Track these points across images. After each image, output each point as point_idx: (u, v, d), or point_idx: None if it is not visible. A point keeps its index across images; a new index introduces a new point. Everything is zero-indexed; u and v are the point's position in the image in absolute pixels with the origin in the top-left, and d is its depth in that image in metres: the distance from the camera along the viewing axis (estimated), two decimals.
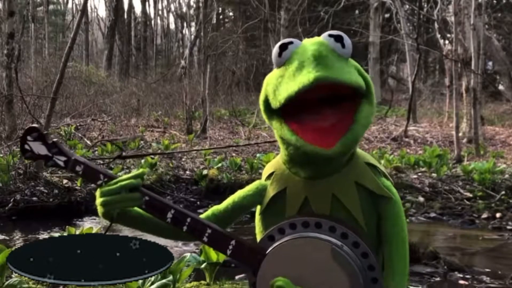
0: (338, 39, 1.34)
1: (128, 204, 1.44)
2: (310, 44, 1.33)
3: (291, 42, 1.37)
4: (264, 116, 1.43)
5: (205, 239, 1.43)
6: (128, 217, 1.50)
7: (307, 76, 1.25)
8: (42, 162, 1.54)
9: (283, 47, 1.36)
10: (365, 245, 1.34)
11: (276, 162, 1.52)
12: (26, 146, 1.51)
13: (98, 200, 1.43)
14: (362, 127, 1.32)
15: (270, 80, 1.40)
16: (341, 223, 1.37)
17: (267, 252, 1.39)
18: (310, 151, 1.30)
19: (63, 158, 1.51)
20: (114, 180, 1.44)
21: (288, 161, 1.45)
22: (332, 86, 1.28)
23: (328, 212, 1.40)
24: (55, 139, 1.54)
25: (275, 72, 1.39)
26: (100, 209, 1.44)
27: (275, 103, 1.36)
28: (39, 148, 1.51)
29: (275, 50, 1.37)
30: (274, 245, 1.38)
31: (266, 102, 1.40)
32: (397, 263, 1.39)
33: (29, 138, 1.51)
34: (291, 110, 1.34)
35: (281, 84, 1.34)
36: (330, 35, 1.35)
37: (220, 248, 1.44)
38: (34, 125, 1.59)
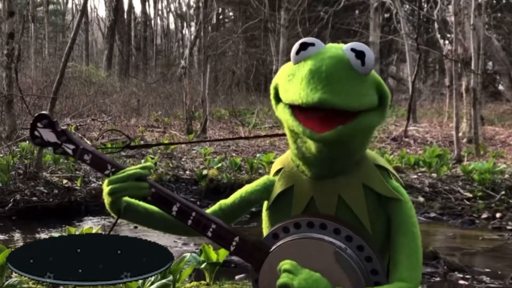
0: (360, 55, 1.28)
1: (135, 192, 1.43)
2: (328, 56, 1.28)
3: (313, 44, 1.33)
4: (272, 102, 1.43)
5: (209, 234, 1.43)
6: (135, 212, 1.50)
7: (312, 95, 1.24)
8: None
9: (304, 47, 1.33)
10: (370, 249, 1.33)
11: (285, 158, 1.52)
12: (36, 133, 1.53)
13: (105, 190, 1.43)
14: (360, 124, 1.30)
15: (282, 73, 1.39)
16: (347, 225, 1.36)
17: (270, 250, 1.39)
18: (302, 131, 1.29)
19: (72, 146, 1.52)
20: (122, 170, 1.45)
21: (297, 156, 1.44)
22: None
23: (333, 213, 1.39)
24: (64, 127, 1.55)
25: (289, 67, 1.37)
26: (107, 200, 1.44)
27: (281, 97, 1.37)
28: (48, 135, 1.52)
29: (295, 46, 1.35)
30: (278, 243, 1.39)
31: (276, 89, 1.41)
32: (409, 257, 1.36)
33: (39, 124, 1.52)
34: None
35: (290, 83, 1.32)
36: (352, 49, 1.30)
37: (224, 243, 1.44)
38: (44, 112, 1.59)
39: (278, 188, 1.47)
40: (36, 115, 1.55)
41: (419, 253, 1.38)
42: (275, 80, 1.41)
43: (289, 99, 1.31)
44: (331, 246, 1.32)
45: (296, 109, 1.32)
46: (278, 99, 1.40)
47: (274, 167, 1.53)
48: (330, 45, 1.37)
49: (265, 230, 1.51)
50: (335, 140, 1.29)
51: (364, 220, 1.38)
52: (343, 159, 1.39)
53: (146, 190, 1.44)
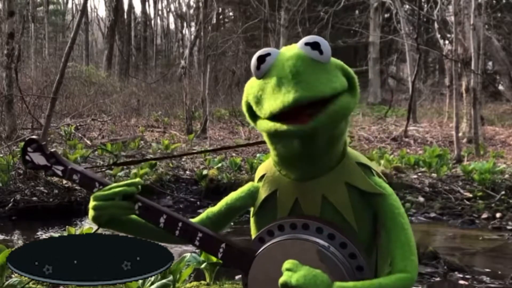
0: (315, 46, 1.31)
1: (119, 212, 1.47)
2: (287, 58, 1.30)
3: (268, 54, 1.35)
4: (248, 119, 1.43)
5: (196, 242, 1.46)
6: (118, 222, 1.53)
7: (287, 97, 1.25)
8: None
9: (261, 60, 1.35)
10: (353, 246, 1.34)
11: (267, 164, 1.53)
12: (27, 157, 1.60)
13: (91, 204, 1.47)
14: (338, 108, 1.29)
15: (250, 90, 1.39)
16: (330, 224, 1.37)
17: (256, 254, 1.41)
18: (286, 130, 1.28)
19: (61, 168, 1.59)
20: (109, 186, 1.49)
21: (277, 162, 1.46)
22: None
23: (318, 213, 1.40)
24: (53, 150, 1.61)
25: (255, 83, 1.37)
26: (90, 213, 1.48)
27: (259, 114, 1.36)
28: (38, 159, 1.59)
29: (253, 62, 1.36)
30: (263, 247, 1.41)
31: (249, 108, 1.41)
32: (402, 248, 1.36)
33: (29, 149, 1.59)
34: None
35: (262, 98, 1.33)
36: (306, 44, 1.32)
37: (211, 251, 1.47)
38: (34, 136, 1.67)
39: (262, 194, 1.49)
40: (25, 140, 1.61)
41: (411, 242, 1.38)
42: (245, 99, 1.41)
43: (267, 112, 1.31)
44: (314, 245, 1.34)
45: (274, 120, 1.32)
46: (254, 116, 1.40)
47: (258, 174, 1.55)
48: (284, 48, 1.39)
49: (253, 235, 1.51)
50: (321, 126, 1.28)
51: (349, 218, 1.39)
52: (325, 153, 1.39)
53: (129, 211, 1.47)
